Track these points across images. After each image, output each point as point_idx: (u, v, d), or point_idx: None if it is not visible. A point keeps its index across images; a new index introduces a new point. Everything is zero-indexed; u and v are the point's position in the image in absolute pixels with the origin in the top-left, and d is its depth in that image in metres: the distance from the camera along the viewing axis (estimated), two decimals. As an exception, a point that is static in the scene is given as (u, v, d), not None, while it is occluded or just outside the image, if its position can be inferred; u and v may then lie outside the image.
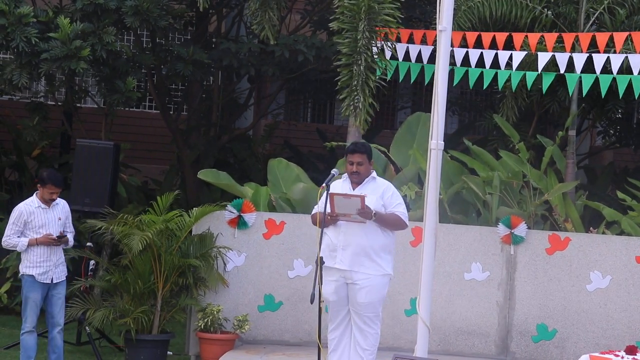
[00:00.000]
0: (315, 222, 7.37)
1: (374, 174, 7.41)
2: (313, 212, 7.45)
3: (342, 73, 9.51)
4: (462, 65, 10.22)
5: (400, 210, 7.31)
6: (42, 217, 8.13)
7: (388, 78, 10.26)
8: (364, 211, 7.09)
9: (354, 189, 7.28)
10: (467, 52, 10.12)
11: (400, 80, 10.80)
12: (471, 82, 10.21)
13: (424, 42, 10.26)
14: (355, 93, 9.44)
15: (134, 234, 8.55)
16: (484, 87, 10.32)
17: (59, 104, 12.25)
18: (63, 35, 9.96)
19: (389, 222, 7.28)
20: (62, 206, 8.29)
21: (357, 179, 7.31)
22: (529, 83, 9.98)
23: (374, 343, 7.35)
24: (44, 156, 12.57)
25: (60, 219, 8.22)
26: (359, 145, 7.42)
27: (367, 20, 9.29)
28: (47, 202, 8.16)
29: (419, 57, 10.29)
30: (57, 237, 8.13)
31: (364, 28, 9.28)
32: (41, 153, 12.47)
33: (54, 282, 8.19)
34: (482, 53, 10.06)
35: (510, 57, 9.95)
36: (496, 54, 9.99)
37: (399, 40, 10.23)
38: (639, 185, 10.35)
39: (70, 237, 8.33)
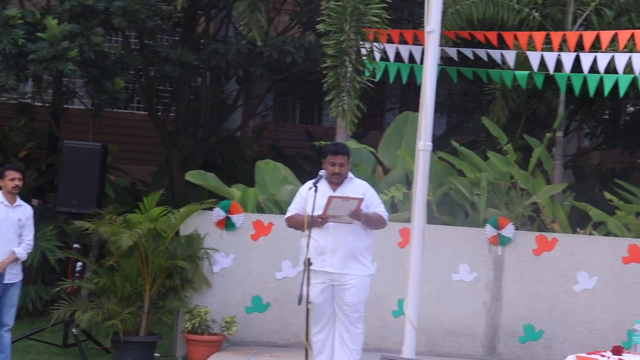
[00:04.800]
0: (293, 225, 7.38)
1: (350, 174, 7.45)
2: (289, 215, 7.44)
3: (328, 75, 9.53)
4: (454, 64, 10.28)
5: (382, 209, 7.41)
6: (1, 213, 8.06)
7: (377, 79, 10.30)
8: (357, 213, 7.12)
9: (334, 190, 7.30)
10: (458, 50, 10.18)
11: (391, 82, 10.84)
12: (469, 76, 10.29)
13: (416, 42, 10.30)
14: (342, 94, 9.45)
15: (123, 232, 8.52)
16: (485, 81, 10.38)
17: (47, 105, 12.20)
18: (51, 36, 9.93)
19: (374, 222, 7.34)
20: (23, 209, 8.24)
21: (338, 180, 7.34)
22: (522, 82, 10.04)
23: (360, 342, 7.41)
24: (31, 157, 12.52)
25: (20, 219, 8.16)
26: (340, 147, 7.45)
27: (354, 22, 9.31)
28: (12, 196, 8.09)
29: (409, 58, 10.34)
30: None
31: (349, 29, 9.30)
32: (28, 154, 12.42)
33: (6, 282, 8.06)
34: (473, 52, 10.13)
35: (502, 57, 10.01)
36: (487, 53, 10.06)
37: (390, 41, 10.27)
38: (626, 186, 10.39)
39: (22, 248, 8.16)
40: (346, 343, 7.35)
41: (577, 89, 9.84)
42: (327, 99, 9.69)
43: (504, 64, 10.19)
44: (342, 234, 7.26)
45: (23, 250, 8.21)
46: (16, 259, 8.16)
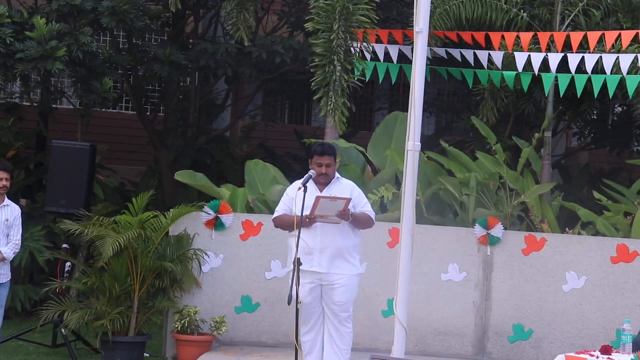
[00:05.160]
0: (281, 225, 7.39)
1: (337, 174, 7.46)
2: (277, 215, 7.45)
3: (316, 74, 9.54)
4: (443, 63, 10.29)
5: (369, 209, 7.45)
6: None
7: (367, 79, 10.31)
8: (345, 213, 7.13)
9: (321, 190, 7.31)
10: (446, 50, 10.19)
11: (380, 81, 10.86)
12: (457, 76, 10.29)
13: (406, 41, 10.30)
14: (331, 93, 9.46)
15: (108, 236, 8.50)
16: (470, 86, 10.40)
17: (35, 104, 12.16)
18: (39, 36, 9.89)
19: (362, 222, 7.35)
20: (11, 208, 8.22)
21: (324, 180, 7.36)
22: (510, 82, 10.06)
23: (350, 342, 7.43)
24: (19, 157, 12.48)
25: (7, 220, 8.14)
26: (326, 147, 7.45)
27: (342, 21, 9.32)
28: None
29: (398, 58, 10.36)
30: None
31: (338, 28, 9.31)
32: (16, 154, 12.37)
33: None
34: (461, 52, 10.14)
35: (489, 57, 10.02)
36: (475, 53, 10.07)
37: (379, 40, 10.28)
38: (614, 186, 10.43)
39: (9, 248, 8.17)
40: (335, 342, 7.37)
41: (562, 89, 9.87)
42: (315, 97, 9.71)
43: (492, 65, 10.21)
44: (329, 234, 7.27)
45: (10, 250, 8.18)
46: (3, 259, 8.13)
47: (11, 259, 8.27)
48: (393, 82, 10.69)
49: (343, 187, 7.40)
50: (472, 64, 10.21)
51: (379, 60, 10.43)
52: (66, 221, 9.03)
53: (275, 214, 7.48)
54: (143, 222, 8.72)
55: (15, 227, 8.24)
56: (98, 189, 11.51)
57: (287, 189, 7.58)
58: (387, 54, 10.47)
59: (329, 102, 9.49)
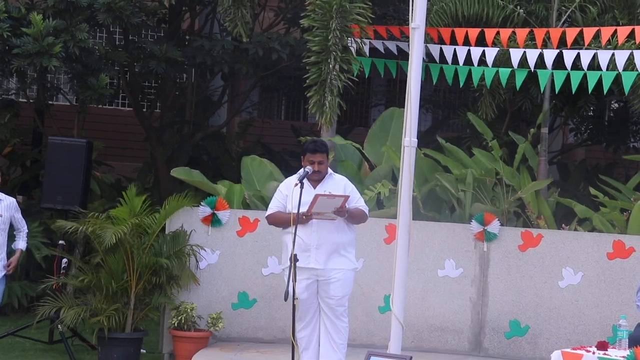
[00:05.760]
0: (275, 222, 7.39)
1: (329, 170, 7.47)
2: (270, 212, 7.44)
3: (311, 71, 9.53)
4: (437, 62, 10.27)
5: (363, 204, 7.47)
6: None
7: (366, 75, 10.31)
8: (342, 210, 7.14)
9: (314, 187, 7.33)
10: (440, 48, 10.18)
11: (382, 76, 10.87)
12: (449, 79, 10.26)
13: (404, 37, 10.30)
14: (323, 91, 9.46)
15: (107, 228, 8.49)
16: (461, 85, 10.38)
17: (31, 101, 12.15)
18: (35, 32, 9.89)
19: (356, 217, 7.38)
20: (6, 203, 8.24)
21: (317, 177, 7.37)
22: (503, 80, 10.05)
23: (346, 336, 7.46)
24: (15, 154, 12.47)
25: (1, 215, 8.16)
26: (319, 144, 7.44)
27: (338, 19, 9.32)
28: None
29: (395, 54, 10.35)
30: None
31: (335, 27, 9.30)
32: (12, 151, 12.37)
33: None
34: (455, 50, 10.12)
35: (484, 54, 10.01)
36: (469, 51, 10.06)
37: (377, 37, 10.27)
38: (610, 182, 10.44)
39: (24, 241, 8.33)
40: (332, 337, 7.39)
41: (558, 85, 9.87)
42: (308, 94, 9.70)
43: (484, 58, 10.16)
44: (326, 230, 7.28)
45: (25, 242, 8.46)
46: (22, 253, 8.25)
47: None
48: (395, 76, 10.69)
49: (336, 183, 7.42)
50: (463, 63, 10.16)
51: (376, 56, 10.43)
52: (60, 220, 9.02)
53: (269, 211, 7.48)
54: (138, 212, 8.70)
55: (18, 219, 8.41)
56: (95, 186, 11.51)
57: (280, 185, 7.58)
58: (385, 49, 10.47)
59: (323, 100, 9.49)
